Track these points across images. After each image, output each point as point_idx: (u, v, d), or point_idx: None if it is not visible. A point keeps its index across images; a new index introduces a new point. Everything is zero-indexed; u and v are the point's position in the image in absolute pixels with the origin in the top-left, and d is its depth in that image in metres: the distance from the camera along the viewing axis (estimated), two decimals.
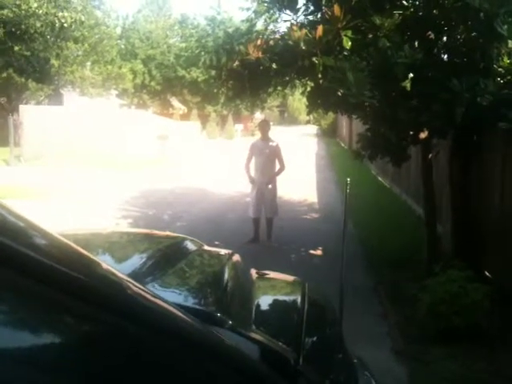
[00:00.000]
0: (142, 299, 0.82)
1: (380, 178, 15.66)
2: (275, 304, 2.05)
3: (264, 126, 8.53)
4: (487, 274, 5.94)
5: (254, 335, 1.18)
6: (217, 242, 6.49)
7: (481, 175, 6.36)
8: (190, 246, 2.27)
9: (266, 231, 8.31)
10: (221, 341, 0.99)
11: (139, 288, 0.85)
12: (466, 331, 4.49)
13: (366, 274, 6.66)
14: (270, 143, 8.32)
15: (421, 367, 4.24)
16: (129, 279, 0.85)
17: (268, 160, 8.27)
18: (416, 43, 5.54)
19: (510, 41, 5.15)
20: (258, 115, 48.16)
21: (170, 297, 1.50)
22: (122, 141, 21.04)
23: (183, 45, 38.46)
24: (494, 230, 6.01)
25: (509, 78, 5.16)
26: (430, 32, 5.58)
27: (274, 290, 2.29)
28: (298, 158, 21.76)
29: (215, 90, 30.34)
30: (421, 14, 5.58)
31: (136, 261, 1.84)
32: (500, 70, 5.25)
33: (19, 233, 0.68)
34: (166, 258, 1.97)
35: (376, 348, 4.41)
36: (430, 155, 6.61)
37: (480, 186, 6.34)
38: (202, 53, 32.46)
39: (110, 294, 0.74)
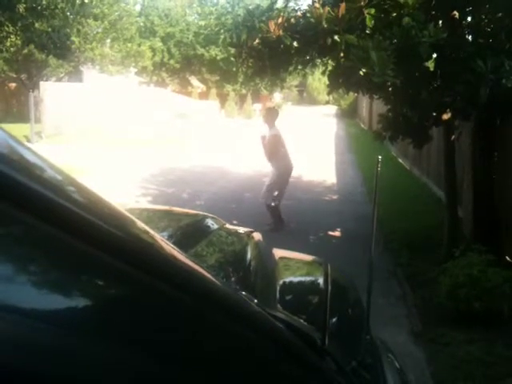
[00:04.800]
0: (176, 260, 0.82)
1: (400, 160, 15.53)
2: (299, 284, 2.04)
3: (268, 114, 8.16)
4: (508, 259, 5.88)
5: (279, 314, 1.17)
6: (235, 222, 6.49)
7: (504, 158, 6.27)
8: (212, 223, 2.26)
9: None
10: (254, 307, 0.99)
11: (174, 248, 0.84)
12: (485, 315, 4.47)
13: (384, 255, 6.63)
14: (271, 131, 7.95)
15: (439, 350, 4.23)
16: (163, 239, 0.84)
17: (264, 148, 7.98)
18: (440, 22, 5.43)
19: None
20: (277, 95, 47.90)
21: None
22: (141, 118, 21.08)
23: (202, 23, 38.23)
24: None
25: None
26: (454, 11, 5.47)
27: (296, 269, 2.28)
28: (317, 139, 21.66)
29: (234, 69, 30.21)
30: None
31: None
32: None
33: (57, 185, 0.67)
34: (188, 235, 1.96)
35: (394, 330, 4.41)
36: (453, 137, 6.53)
37: (503, 169, 6.25)
38: (222, 31, 32.41)
39: (147, 253, 0.73)
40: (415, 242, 6.88)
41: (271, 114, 8.14)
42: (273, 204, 7.98)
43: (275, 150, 7.91)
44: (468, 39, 5.65)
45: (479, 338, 4.34)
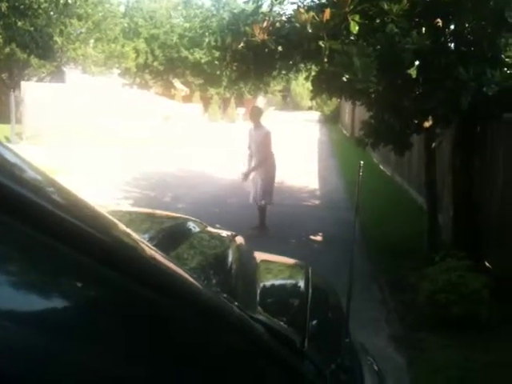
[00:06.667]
0: (158, 262, 0.81)
1: (382, 167, 15.62)
2: (279, 287, 2.04)
3: (253, 113, 8.31)
4: (487, 264, 5.94)
5: (259, 317, 1.17)
6: (218, 225, 6.46)
7: (483, 166, 6.34)
8: (194, 226, 2.25)
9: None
10: (233, 310, 0.98)
11: (155, 251, 0.84)
12: (464, 320, 4.51)
13: (366, 261, 6.66)
14: (260, 131, 8.09)
15: (418, 355, 4.26)
16: (144, 242, 0.84)
17: (258, 148, 8.06)
18: (423, 30, 5.48)
19: None
20: (261, 99, 47.95)
21: None
22: (124, 121, 20.97)
23: (187, 25, 38.18)
24: (495, 222, 6.02)
25: None
26: (437, 19, 5.52)
27: (278, 272, 2.28)
28: (300, 145, 21.71)
29: (218, 72, 30.14)
30: (429, 0, 5.52)
31: None
32: (507, 60, 5.22)
33: (37, 185, 0.66)
34: (170, 238, 1.95)
35: (374, 334, 4.43)
36: (433, 144, 6.59)
37: (482, 177, 6.32)
38: (206, 33, 32.36)
39: (128, 256, 0.72)
40: (396, 248, 6.92)
41: (256, 112, 8.31)
42: (270, 203, 8.12)
43: (270, 147, 8.10)
44: (450, 47, 5.71)
45: (458, 343, 4.37)
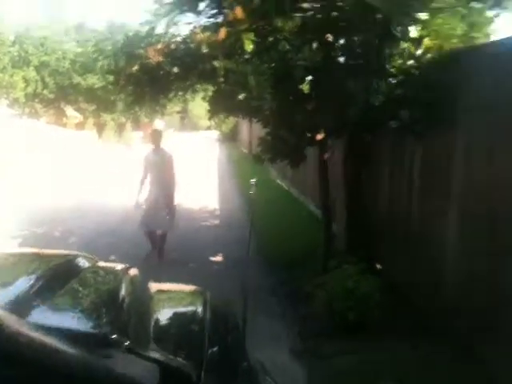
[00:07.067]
0: (21, 337, 0.71)
1: (279, 181, 15.87)
2: (176, 317, 1.95)
3: (155, 136, 8.03)
4: (378, 266, 6.14)
5: (152, 354, 1.08)
6: (113, 257, 6.25)
7: (372, 174, 6.57)
8: (83, 262, 2.12)
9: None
10: (110, 371, 0.89)
11: (16, 324, 0.74)
12: (360, 325, 4.66)
13: (265, 275, 6.70)
14: (162, 154, 7.86)
15: (319, 364, 4.34)
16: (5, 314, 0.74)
17: (161, 173, 7.74)
18: (315, 46, 5.58)
19: (402, 42, 5.35)
20: (158, 122, 47.54)
21: (60, 321, 1.37)
22: (12, 153, 19.93)
23: (79, 50, 37.16)
24: (382, 227, 6.26)
25: (401, 78, 5.35)
26: (328, 34, 5.65)
27: (174, 302, 2.19)
28: (199, 164, 21.63)
29: (112, 98, 29.46)
30: (320, 16, 5.63)
31: (21, 284, 1.69)
32: (392, 70, 5.44)
33: None
34: (56, 277, 1.82)
35: (274, 348, 4.41)
36: (326, 156, 6.70)
37: (371, 185, 6.54)
38: (100, 58, 31.65)
39: None
40: (294, 260, 7.04)
41: (157, 136, 8.05)
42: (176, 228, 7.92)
43: (174, 170, 7.87)
44: (340, 61, 5.85)
45: (356, 348, 4.49)
